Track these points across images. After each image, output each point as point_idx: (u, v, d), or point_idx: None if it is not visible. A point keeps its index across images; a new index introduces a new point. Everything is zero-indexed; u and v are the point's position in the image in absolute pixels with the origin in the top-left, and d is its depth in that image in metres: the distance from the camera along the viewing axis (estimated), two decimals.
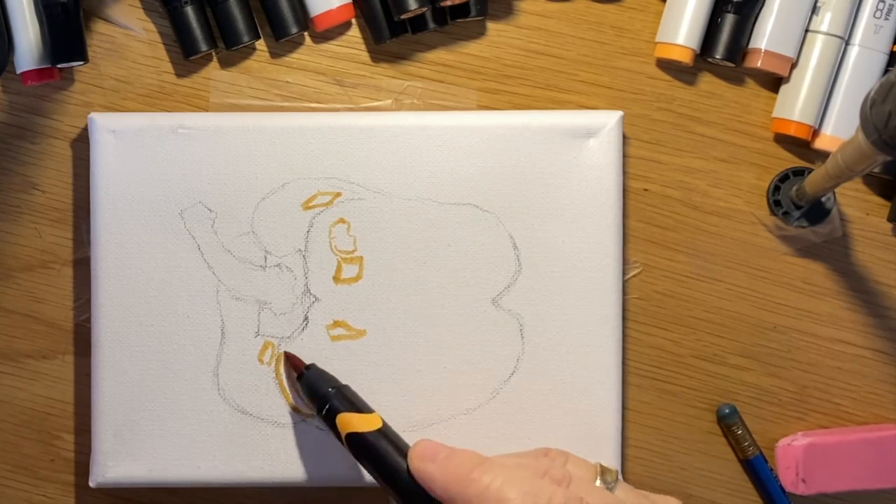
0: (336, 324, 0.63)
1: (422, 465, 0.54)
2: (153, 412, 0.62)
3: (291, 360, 0.60)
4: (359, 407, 0.58)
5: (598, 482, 0.56)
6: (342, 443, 0.57)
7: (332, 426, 0.57)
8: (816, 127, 0.64)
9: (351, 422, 0.57)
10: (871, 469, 0.63)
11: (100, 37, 0.64)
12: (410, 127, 0.62)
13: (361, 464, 0.57)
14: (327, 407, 0.57)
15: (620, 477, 0.57)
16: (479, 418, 0.63)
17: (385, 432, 0.57)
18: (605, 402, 0.62)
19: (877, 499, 0.65)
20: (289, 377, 0.62)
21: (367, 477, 0.62)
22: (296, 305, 0.63)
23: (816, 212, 0.64)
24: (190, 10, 0.63)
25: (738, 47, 0.64)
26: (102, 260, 0.62)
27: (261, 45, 0.65)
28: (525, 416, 0.63)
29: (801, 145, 0.65)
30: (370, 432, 0.57)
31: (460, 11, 0.64)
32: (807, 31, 0.64)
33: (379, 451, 0.56)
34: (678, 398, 0.65)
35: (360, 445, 0.57)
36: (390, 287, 0.62)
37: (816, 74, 0.63)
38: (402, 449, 0.56)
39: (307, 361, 0.62)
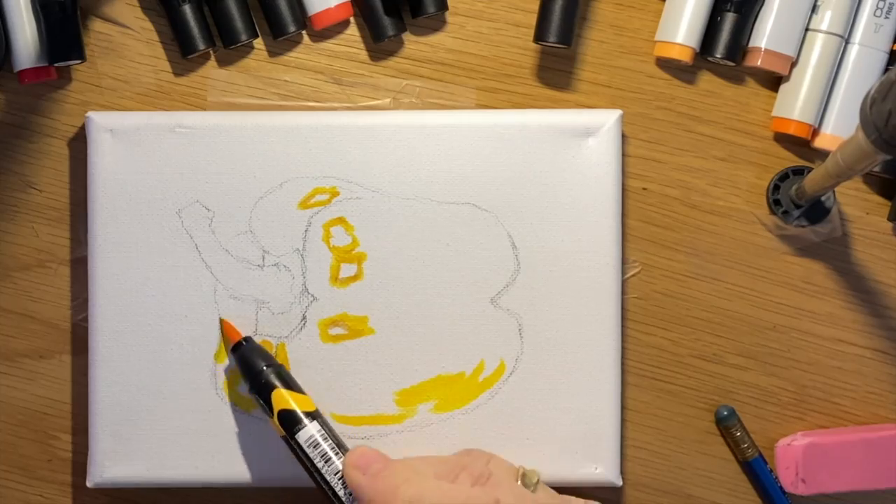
0: (334, 323, 0.62)
1: (353, 473, 0.57)
2: (151, 412, 0.62)
3: (226, 330, 0.62)
4: (294, 388, 0.60)
5: (518, 483, 0.58)
6: (272, 420, 0.59)
7: (265, 402, 0.59)
8: (816, 126, 0.64)
9: (285, 399, 0.59)
10: (871, 469, 0.63)
11: (97, 35, 0.64)
12: (409, 126, 0.62)
13: (290, 444, 0.59)
14: (262, 382, 0.59)
15: (542, 480, 0.59)
16: (478, 418, 0.62)
17: (318, 416, 0.59)
18: (604, 402, 0.62)
19: (877, 499, 0.65)
20: (225, 345, 0.62)
21: None
22: (294, 305, 0.62)
23: (816, 211, 0.64)
24: (188, 9, 0.63)
25: (738, 46, 0.64)
26: (100, 259, 0.62)
27: (259, 43, 0.65)
28: (524, 416, 0.62)
29: (800, 144, 0.65)
30: (305, 412, 0.59)
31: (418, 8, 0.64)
32: (807, 29, 0.64)
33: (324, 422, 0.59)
34: (677, 398, 0.65)
35: (293, 423, 0.59)
36: (389, 286, 0.62)
37: (816, 73, 0.63)
38: (336, 440, 0.59)
39: (306, 361, 0.62)
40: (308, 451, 0.58)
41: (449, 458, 0.60)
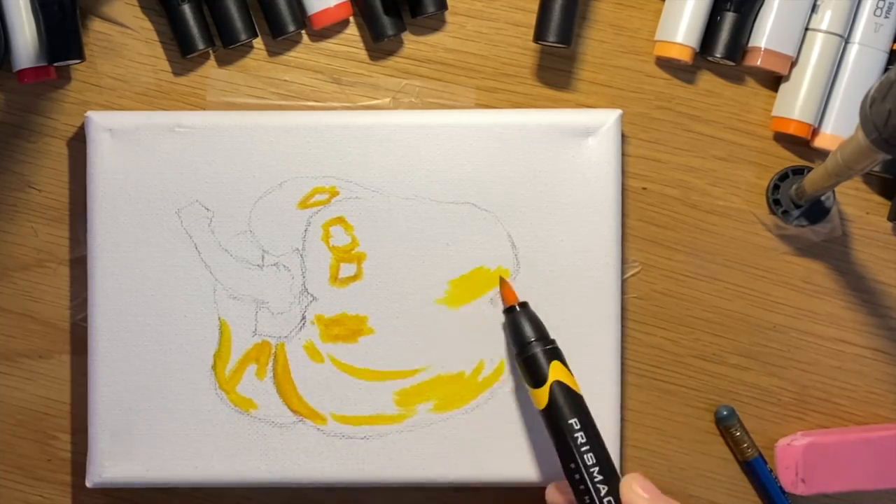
0: (334, 323, 0.62)
1: (636, 493, 0.56)
2: (150, 412, 0.62)
3: (504, 291, 0.61)
4: (568, 367, 0.59)
5: None
6: (536, 389, 0.58)
7: (533, 368, 0.59)
8: (816, 125, 0.64)
9: (564, 374, 0.58)
10: (871, 469, 0.63)
11: (97, 35, 0.64)
12: (408, 126, 0.62)
13: (559, 421, 0.58)
14: (536, 351, 0.59)
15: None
16: (478, 418, 0.62)
17: (585, 403, 0.58)
18: (604, 402, 0.62)
19: (877, 499, 0.65)
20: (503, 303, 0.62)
21: (365, 477, 0.62)
22: (293, 305, 0.62)
23: (816, 211, 0.64)
24: (187, 8, 0.63)
25: (738, 46, 0.64)
26: (99, 259, 0.62)
27: (258, 43, 0.65)
28: (524, 416, 0.62)
29: (800, 144, 0.65)
30: (579, 394, 0.58)
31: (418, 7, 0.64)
32: (806, 29, 0.64)
33: (588, 415, 0.58)
34: (677, 398, 0.65)
35: (572, 400, 0.58)
36: (388, 286, 0.62)
37: (816, 73, 0.63)
38: (600, 436, 0.58)
39: (305, 361, 0.61)
40: (575, 443, 0.57)
41: None
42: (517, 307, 0.60)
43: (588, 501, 0.57)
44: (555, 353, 0.59)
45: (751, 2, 0.63)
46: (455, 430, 0.62)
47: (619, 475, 0.58)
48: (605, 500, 0.57)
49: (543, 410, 0.58)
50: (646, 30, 0.65)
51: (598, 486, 0.57)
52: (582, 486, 0.57)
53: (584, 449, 0.57)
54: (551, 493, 0.60)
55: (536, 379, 0.59)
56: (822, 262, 0.65)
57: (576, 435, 0.58)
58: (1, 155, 0.64)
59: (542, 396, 0.58)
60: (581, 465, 0.57)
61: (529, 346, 0.59)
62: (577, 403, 0.58)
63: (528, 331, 0.60)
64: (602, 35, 0.65)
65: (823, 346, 0.65)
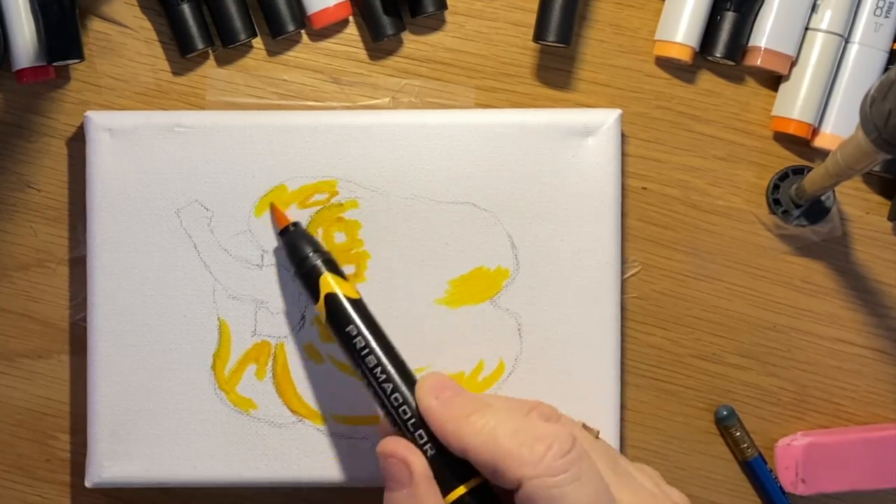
0: None
1: (426, 397, 0.55)
2: (150, 412, 0.62)
3: (276, 214, 0.61)
4: (341, 275, 0.58)
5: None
6: (315, 305, 0.58)
7: (311, 287, 0.58)
8: (816, 125, 0.64)
9: (336, 284, 0.57)
10: (871, 469, 0.63)
11: (96, 35, 0.64)
12: (408, 125, 0.62)
13: (338, 330, 0.57)
14: (310, 266, 0.58)
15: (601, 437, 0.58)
16: None
17: (363, 306, 0.58)
18: (604, 402, 0.62)
19: (877, 499, 0.65)
20: (274, 230, 0.61)
21: (365, 477, 0.62)
22: (293, 304, 0.62)
23: (816, 210, 0.64)
24: (186, 8, 0.63)
25: (738, 45, 0.64)
26: (98, 259, 0.62)
27: (258, 42, 0.65)
28: None
29: (800, 144, 0.65)
30: (355, 299, 0.57)
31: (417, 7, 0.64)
32: (806, 28, 0.64)
33: (369, 319, 0.57)
34: (677, 398, 0.65)
35: (347, 307, 0.57)
36: (387, 286, 0.62)
37: (816, 72, 0.63)
38: (384, 337, 0.57)
39: (305, 361, 0.61)
40: (354, 349, 0.56)
41: (518, 399, 0.57)
42: (290, 227, 0.60)
43: (381, 405, 0.56)
44: (327, 266, 0.58)
45: (751, 1, 0.63)
46: None
47: (416, 378, 0.56)
48: (392, 397, 0.55)
49: (326, 324, 0.58)
50: (646, 29, 0.65)
51: (384, 385, 0.55)
52: (372, 391, 0.56)
53: (364, 353, 0.56)
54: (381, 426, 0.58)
55: (314, 294, 0.58)
56: (822, 262, 0.65)
57: (354, 341, 0.56)
58: (0, 155, 0.64)
59: (321, 311, 0.58)
60: (365, 370, 0.56)
61: (304, 262, 0.58)
62: (354, 309, 0.57)
63: (303, 247, 0.59)
64: (602, 35, 0.65)
65: (823, 346, 0.65)
